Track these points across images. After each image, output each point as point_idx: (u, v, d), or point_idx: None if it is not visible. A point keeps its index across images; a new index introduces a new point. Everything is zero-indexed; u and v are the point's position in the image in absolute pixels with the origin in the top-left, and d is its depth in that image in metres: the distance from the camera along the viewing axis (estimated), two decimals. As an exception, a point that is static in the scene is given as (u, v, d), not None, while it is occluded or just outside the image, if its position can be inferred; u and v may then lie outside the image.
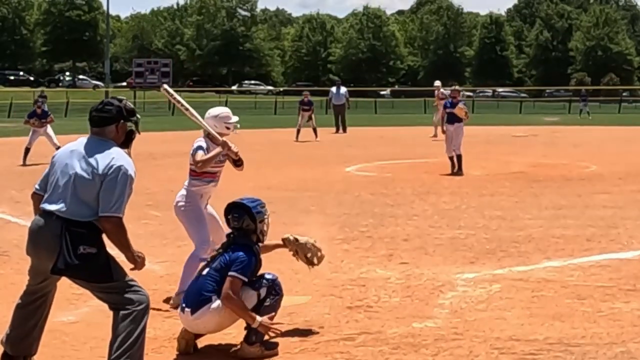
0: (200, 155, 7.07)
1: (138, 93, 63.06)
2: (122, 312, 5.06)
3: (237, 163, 7.13)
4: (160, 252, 9.32)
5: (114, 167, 5.00)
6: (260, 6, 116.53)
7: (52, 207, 5.04)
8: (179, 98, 6.94)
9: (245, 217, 6.04)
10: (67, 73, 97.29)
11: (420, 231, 10.65)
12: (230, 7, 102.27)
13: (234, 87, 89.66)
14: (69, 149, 5.22)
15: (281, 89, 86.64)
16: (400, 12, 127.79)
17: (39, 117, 20.87)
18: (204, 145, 7.16)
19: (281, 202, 13.40)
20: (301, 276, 8.00)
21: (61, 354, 5.92)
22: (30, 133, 20.83)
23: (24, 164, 19.78)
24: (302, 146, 26.08)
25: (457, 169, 17.47)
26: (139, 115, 5.43)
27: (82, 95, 69.54)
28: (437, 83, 30.06)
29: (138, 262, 5.21)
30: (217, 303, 5.76)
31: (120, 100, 5.30)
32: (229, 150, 6.99)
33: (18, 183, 16.10)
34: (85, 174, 5.01)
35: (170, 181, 15.22)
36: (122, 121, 5.21)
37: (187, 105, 6.90)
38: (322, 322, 6.70)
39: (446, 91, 25.52)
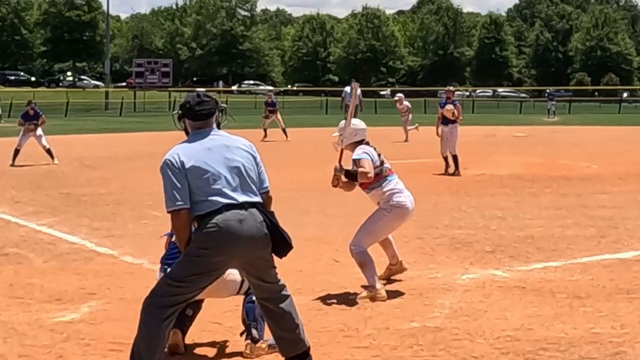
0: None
1: (138, 93, 63.10)
2: (287, 300, 5.36)
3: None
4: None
5: (252, 146, 5.42)
6: (260, 6, 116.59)
7: (243, 198, 5.20)
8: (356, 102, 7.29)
9: None
10: (69, 73, 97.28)
11: (420, 231, 10.63)
12: (229, 7, 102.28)
13: (234, 87, 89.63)
14: (205, 146, 5.22)
15: (281, 89, 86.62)
16: (400, 12, 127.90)
17: (30, 118, 20.51)
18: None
19: (281, 202, 13.33)
20: (301, 276, 8.00)
21: (60, 353, 5.92)
22: (21, 134, 20.48)
23: (13, 165, 19.38)
24: (302, 146, 26.07)
25: (454, 170, 17.43)
26: (224, 104, 5.58)
27: (83, 95, 69.60)
28: (399, 95, 31.59)
29: None
30: None
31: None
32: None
33: (18, 183, 16.11)
34: (248, 161, 5.33)
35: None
36: (217, 111, 5.54)
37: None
38: (321, 322, 6.70)
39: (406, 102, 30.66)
